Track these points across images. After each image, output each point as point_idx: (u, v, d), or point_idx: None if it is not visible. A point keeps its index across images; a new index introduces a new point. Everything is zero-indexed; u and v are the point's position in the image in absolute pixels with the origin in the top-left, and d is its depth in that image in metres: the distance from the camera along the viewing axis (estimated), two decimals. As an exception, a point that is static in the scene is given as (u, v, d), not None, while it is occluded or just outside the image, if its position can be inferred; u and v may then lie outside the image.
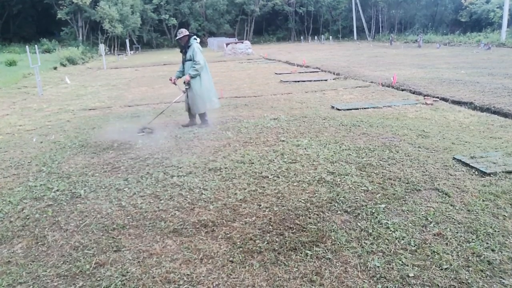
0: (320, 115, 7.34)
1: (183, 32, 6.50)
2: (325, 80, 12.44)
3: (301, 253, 2.89)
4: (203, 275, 2.68)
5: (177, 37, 6.53)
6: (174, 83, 6.66)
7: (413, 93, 9.68)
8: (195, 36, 6.54)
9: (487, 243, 2.93)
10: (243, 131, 6.35)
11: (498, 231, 3.09)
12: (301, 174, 4.37)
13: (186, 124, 6.89)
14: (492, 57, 18.45)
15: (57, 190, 4.20)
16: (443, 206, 3.54)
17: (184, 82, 6.51)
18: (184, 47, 6.51)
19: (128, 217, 3.53)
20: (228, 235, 3.18)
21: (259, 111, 7.99)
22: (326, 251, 2.91)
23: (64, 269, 2.81)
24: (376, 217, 3.36)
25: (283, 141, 5.71)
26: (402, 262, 2.74)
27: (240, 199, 3.81)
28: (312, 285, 2.55)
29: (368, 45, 34.50)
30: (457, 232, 3.10)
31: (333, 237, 3.07)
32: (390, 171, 4.38)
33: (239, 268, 2.74)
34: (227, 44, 26.66)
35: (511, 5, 29.08)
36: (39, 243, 3.17)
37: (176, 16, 43.15)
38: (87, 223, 3.46)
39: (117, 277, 2.68)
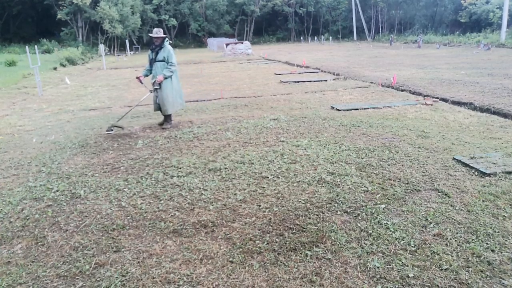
0: (320, 115, 7.35)
1: (160, 32, 6.60)
2: (325, 80, 12.44)
3: (301, 254, 2.89)
4: (203, 275, 2.68)
5: (153, 36, 6.56)
6: (141, 81, 6.76)
7: (413, 93, 9.69)
8: (167, 38, 6.71)
9: (487, 244, 2.93)
10: (243, 132, 6.35)
11: (498, 232, 3.09)
12: (301, 175, 4.37)
13: (161, 122, 7.00)
14: (492, 57, 18.46)
15: (57, 191, 4.20)
16: (443, 206, 3.54)
17: (154, 82, 6.61)
18: (157, 47, 6.61)
19: (128, 218, 3.53)
20: (228, 235, 3.18)
21: (259, 111, 7.99)
22: (326, 251, 2.91)
23: (64, 269, 2.81)
24: (376, 218, 3.36)
25: (283, 141, 5.71)
26: (402, 262, 2.74)
27: (240, 200, 3.81)
28: (312, 285, 2.55)
29: (368, 45, 34.51)
30: (457, 233, 3.10)
31: (333, 238, 3.07)
32: (390, 172, 4.38)
33: (239, 268, 2.74)
34: (227, 45, 26.68)
35: (510, 6, 29.11)
36: (39, 243, 3.17)
37: (176, 16, 43.16)
38: (87, 224, 3.46)
39: (117, 277, 2.68)
